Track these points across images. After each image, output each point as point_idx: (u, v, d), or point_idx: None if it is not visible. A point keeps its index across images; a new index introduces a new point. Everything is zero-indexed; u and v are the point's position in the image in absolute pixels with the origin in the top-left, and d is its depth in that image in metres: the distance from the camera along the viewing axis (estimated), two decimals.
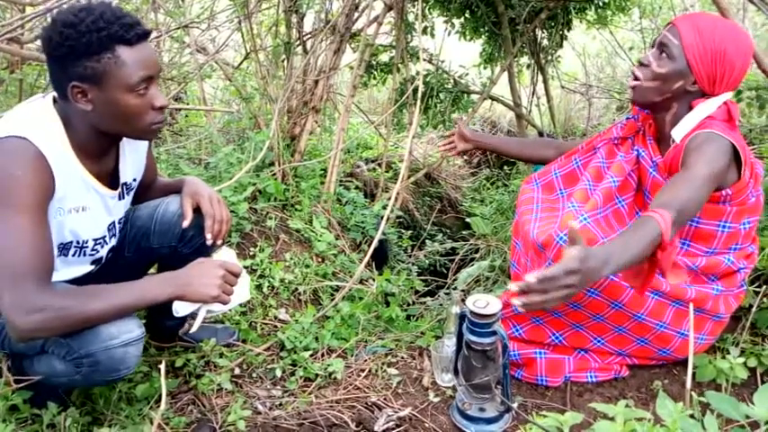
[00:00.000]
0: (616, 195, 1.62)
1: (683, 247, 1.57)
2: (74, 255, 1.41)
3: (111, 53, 1.22)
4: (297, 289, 2.24)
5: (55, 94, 1.34)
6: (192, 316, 1.42)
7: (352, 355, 1.88)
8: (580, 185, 1.67)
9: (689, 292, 1.53)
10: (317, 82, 2.83)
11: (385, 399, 1.65)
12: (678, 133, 1.49)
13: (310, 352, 1.85)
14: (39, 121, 1.28)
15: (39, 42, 2.48)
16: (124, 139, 1.45)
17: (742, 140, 1.47)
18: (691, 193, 1.32)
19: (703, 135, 1.44)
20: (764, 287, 1.75)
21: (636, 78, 1.54)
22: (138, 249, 1.62)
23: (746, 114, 3.04)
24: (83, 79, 1.23)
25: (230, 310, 2.00)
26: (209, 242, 1.53)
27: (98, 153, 1.38)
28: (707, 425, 0.92)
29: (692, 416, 0.97)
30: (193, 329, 1.44)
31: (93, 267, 1.50)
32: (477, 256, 2.92)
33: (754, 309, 1.70)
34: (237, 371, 1.79)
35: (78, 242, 1.40)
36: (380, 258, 2.85)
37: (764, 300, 1.72)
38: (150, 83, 1.30)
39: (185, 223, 1.54)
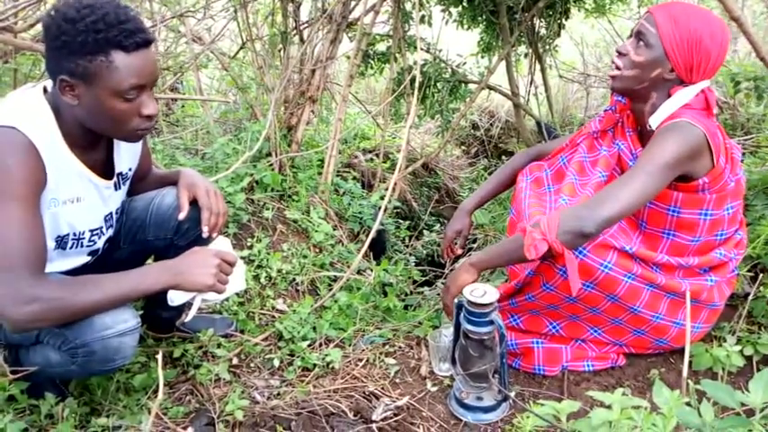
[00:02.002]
0: None
1: (668, 237, 1.57)
2: (72, 247, 1.41)
3: (104, 56, 1.20)
4: (294, 279, 2.23)
5: (45, 84, 1.33)
6: (189, 306, 1.42)
7: (349, 345, 1.88)
8: (567, 180, 1.68)
9: (683, 285, 1.53)
10: (313, 72, 2.82)
11: (383, 388, 1.65)
12: (655, 121, 1.50)
13: (308, 342, 1.86)
14: (29, 111, 1.26)
15: (32, 31, 2.47)
16: None
17: (715, 128, 1.47)
18: (638, 186, 1.36)
19: (670, 125, 1.44)
20: (761, 275, 1.75)
21: (617, 68, 1.54)
22: (134, 242, 1.62)
23: (745, 104, 3.03)
24: (72, 75, 1.21)
25: (227, 299, 2.00)
26: (204, 234, 1.52)
27: (89, 144, 1.37)
28: (703, 412, 0.92)
29: (688, 404, 0.98)
30: (188, 318, 1.44)
31: (89, 259, 1.50)
32: (475, 246, 2.93)
33: (750, 297, 1.71)
34: (235, 361, 1.79)
35: (75, 234, 1.40)
36: (378, 249, 2.85)
37: (761, 288, 1.72)
38: (142, 90, 1.27)
39: (181, 215, 1.53)
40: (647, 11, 1.52)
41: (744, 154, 2.43)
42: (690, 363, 1.62)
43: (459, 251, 2.00)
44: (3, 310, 1.16)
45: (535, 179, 1.80)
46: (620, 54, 1.53)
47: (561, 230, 1.35)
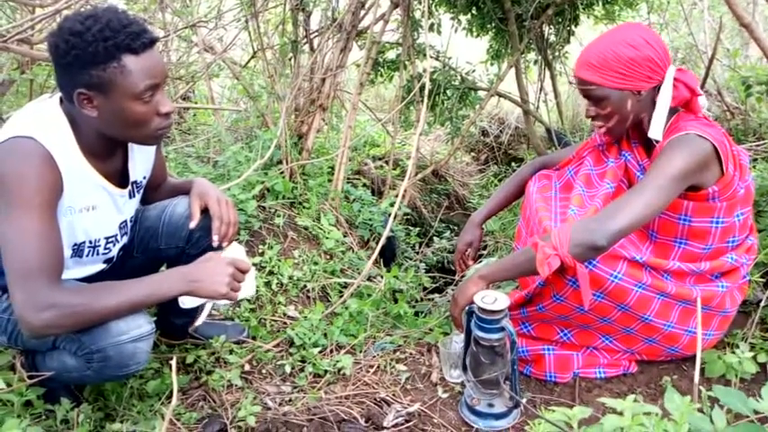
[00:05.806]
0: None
1: (679, 245, 1.57)
2: (88, 254, 1.43)
3: (116, 62, 1.22)
4: (305, 286, 2.25)
5: (62, 94, 1.35)
6: (200, 310, 1.43)
7: (360, 352, 1.89)
8: (575, 192, 1.70)
9: (695, 292, 1.53)
10: (324, 80, 2.84)
11: (394, 394, 1.66)
12: (655, 132, 1.52)
13: (319, 348, 1.86)
14: (46, 121, 1.28)
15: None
16: None
17: (721, 135, 1.47)
18: (647, 199, 1.38)
19: (679, 138, 1.45)
20: None
21: (602, 126, 1.58)
22: (147, 250, 1.64)
23: (757, 109, 3.02)
24: (89, 87, 1.23)
25: (238, 304, 2.02)
26: (215, 244, 1.53)
27: (106, 153, 1.39)
28: (715, 419, 0.92)
29: (700, 410, 0.97)
30: (199, 322, 1.46)
31: (105, 266, 1.52)
32: (485, 252, 2.93)
33: (762, 304, 1.70)
34: (247, 367, 1.80)
35: (91, 242, 1.42)
36: (388, 255, 2.86)
37: None
38: (156, 90, 1.29)
39: (192, 224, 1.54)
40: (573, 74, 1.55)
41: (756, 160, 2.41)
42: (702, 370, 1.61)
43: (471, 263, 2.01)
44: (21, 316, 1.18)
45: (543, 186, 1.82)
46: (593, 118, 1.58)
47: (572, 244, 1.36)
